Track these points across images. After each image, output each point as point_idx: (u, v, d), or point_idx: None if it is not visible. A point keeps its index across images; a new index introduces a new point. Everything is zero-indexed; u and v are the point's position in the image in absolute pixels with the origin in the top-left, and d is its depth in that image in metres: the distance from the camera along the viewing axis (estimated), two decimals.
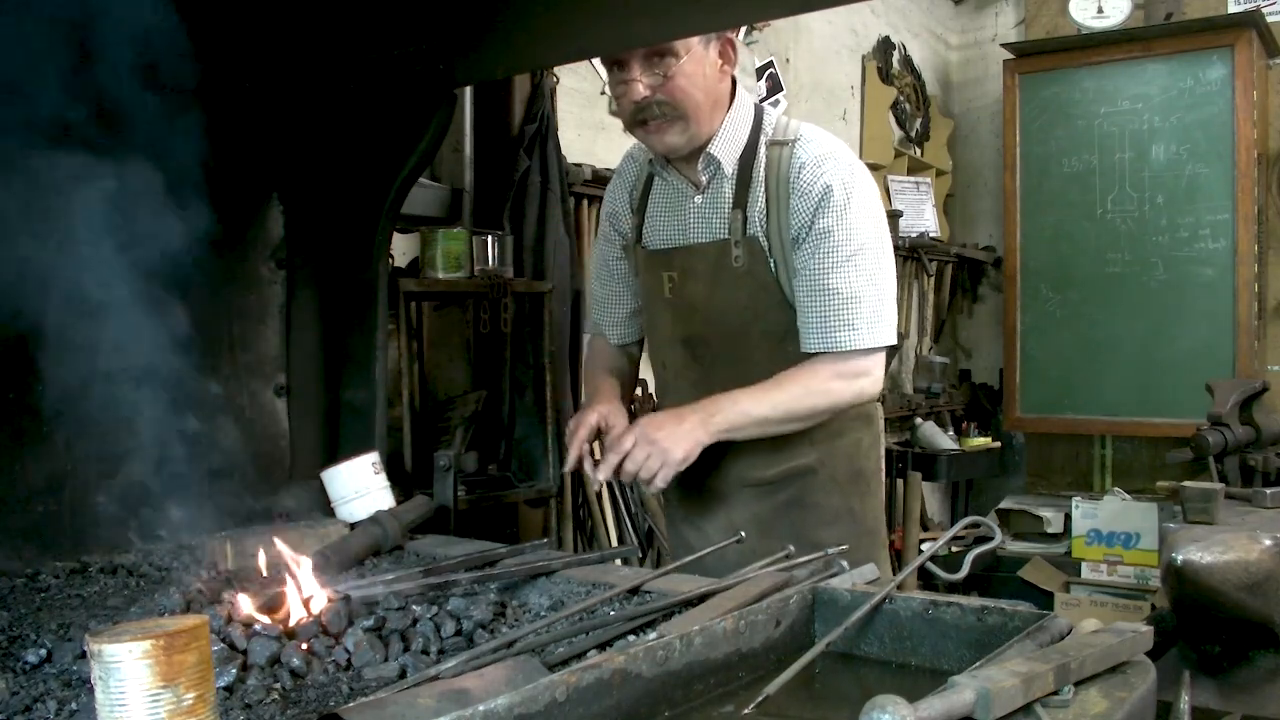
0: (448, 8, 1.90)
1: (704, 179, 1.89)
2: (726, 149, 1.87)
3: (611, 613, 1.35)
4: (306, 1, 1.95)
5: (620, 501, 3.32)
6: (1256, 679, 2.07)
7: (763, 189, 1.85)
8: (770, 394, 1.80)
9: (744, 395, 1.79)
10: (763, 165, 1.86)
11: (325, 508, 1.99)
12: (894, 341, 1.89)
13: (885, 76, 5.48)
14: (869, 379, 1.87)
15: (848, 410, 1.95)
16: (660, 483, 1.74)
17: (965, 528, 1.43)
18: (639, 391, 3.46)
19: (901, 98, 5.63)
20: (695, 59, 1.77)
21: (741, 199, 1.86)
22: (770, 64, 4.47)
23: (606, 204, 2.13)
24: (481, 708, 0.82)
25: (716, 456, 1.98)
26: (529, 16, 1.84)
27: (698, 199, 1.91)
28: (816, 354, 1.83)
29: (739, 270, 1.86)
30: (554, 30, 1.83)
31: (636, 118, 1.82)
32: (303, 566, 1.40)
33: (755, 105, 1.93)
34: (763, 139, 1.88)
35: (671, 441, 1.72)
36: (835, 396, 1.85)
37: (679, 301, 1.93)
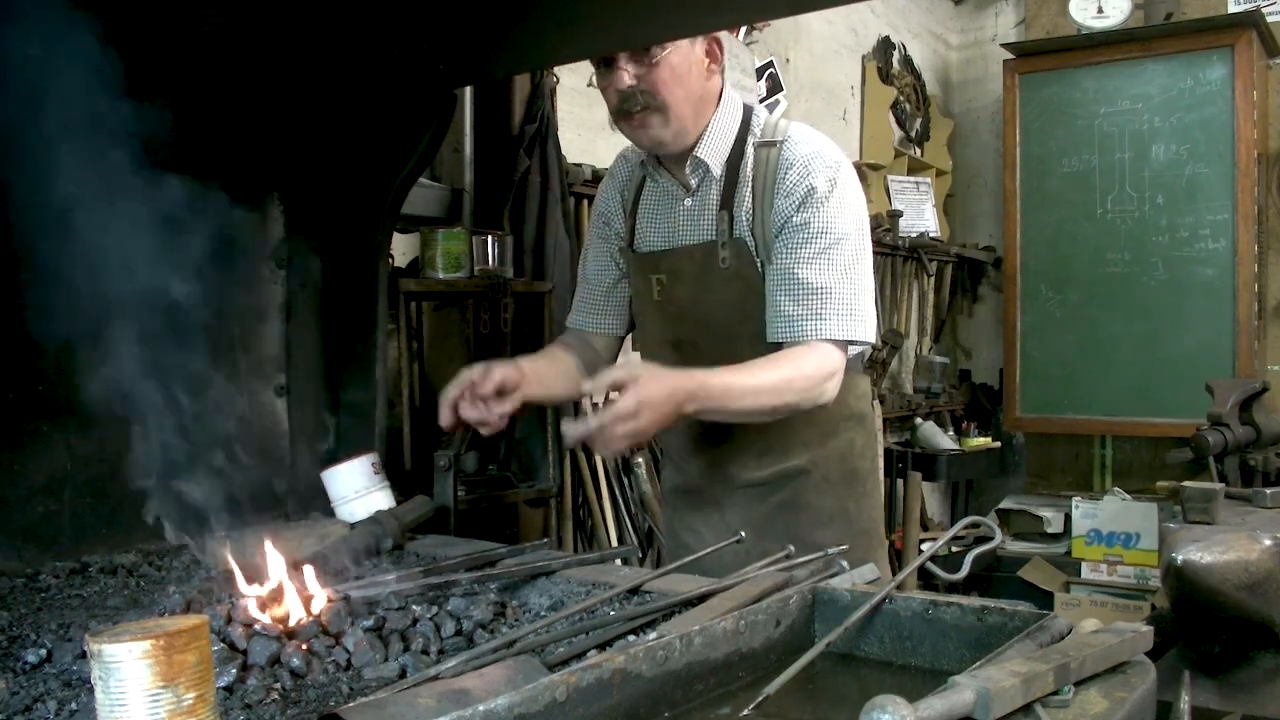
0: (447, 8, 1.90)
1: (693, 182, 1.89)
2: (713, 151, 1.86)
3: (611, 613, 1.35)
4: (306, 2, 1.95)
5: (620, 501, 3.32)
6: (1256, 679, 2.07)
7: (749, 190, 1.85)
8: (753, 386, 1.74)
9: (731, 383, 1.72)
10: (750, 166, 1.85)
11: (325, 508, 1.99)
12: (869, 339, 1.83)
13: (885, 76, 5.48)
14: (835, 379, 1.80)
15: (839, 410, 1.94)
16: (611, 450, 1.67)
17: (965, 528, 1.43)
18: None
19: (901, 98, 5.63)
20: (681, 52, 1.77)
21: (728, 200, 1.86)
22: (770, 64, 4.47)
23: (598, 203, 2.12)
24: (481, 708, 0.82)
25: (709, 458, 1.98)
26: (529, 17, 1.84)
27: (687, 201, 1.91)
28: (793, 344, 1.78)
29: (726, 272, 1.85)
30: (554, 30, 1.83)
31: (621, 108, 1.81)
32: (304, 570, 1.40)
33: (745, 106, 1.93)
34: (750, 140, 1.87)
35: (651, 423, 1.63)
36: (805, 396, 1.76)
37: (667, 304, 1.93)
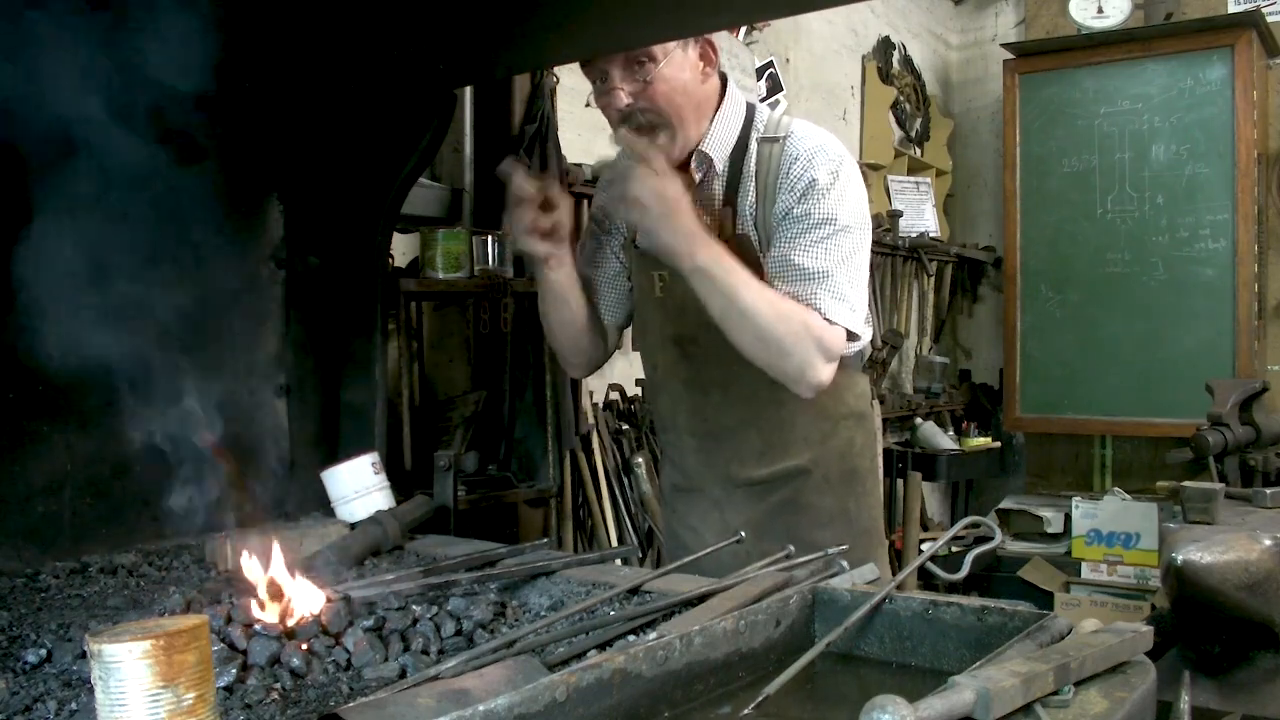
0: (447, 9, 1.90)
1: (696, 177, 1.89)
2: (717, 146, 1.86)
3: (611, 613, 1.35)
4: (306, 2, 1.95)
5: (620, 501, 3.32)
6: (1256, 679, 2.07)
7: (753, 185, 1.85)
8: (760, 293, 1.71)
9: (740, 272, 1.70)
10: (754, 161, 1.85)
11: (325, 508, 1.99)
12: (858, 330, 1.82)
13: (885, 76, 5.48)
14: (829, 363, 1.77)
15: (839, 409, 1.94)
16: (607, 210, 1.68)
17: (965, 528, 1.43)
18: (640, 392, 3.46)
19: (901, 98, 5.63)
20: (675, 63, 1.77)
21: (732, 196, 1.86)
22: (770, 64, 4.47)
23: (598, 197, 2.12)
24: (481, 708, 0.82)
25: (709, 457, 1.98)
26: (529, 17, 1.84)
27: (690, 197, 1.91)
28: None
29: None
30: (554, 30, 1.83)
31: (623, 127, 1.81)
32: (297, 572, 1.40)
33: (747, 103, 1.93)
34: (754, 136, 1.87)
35: (657, 219, 1.66)
36: (799, 346, 1.73)
37: (669, 301, 1.93)
